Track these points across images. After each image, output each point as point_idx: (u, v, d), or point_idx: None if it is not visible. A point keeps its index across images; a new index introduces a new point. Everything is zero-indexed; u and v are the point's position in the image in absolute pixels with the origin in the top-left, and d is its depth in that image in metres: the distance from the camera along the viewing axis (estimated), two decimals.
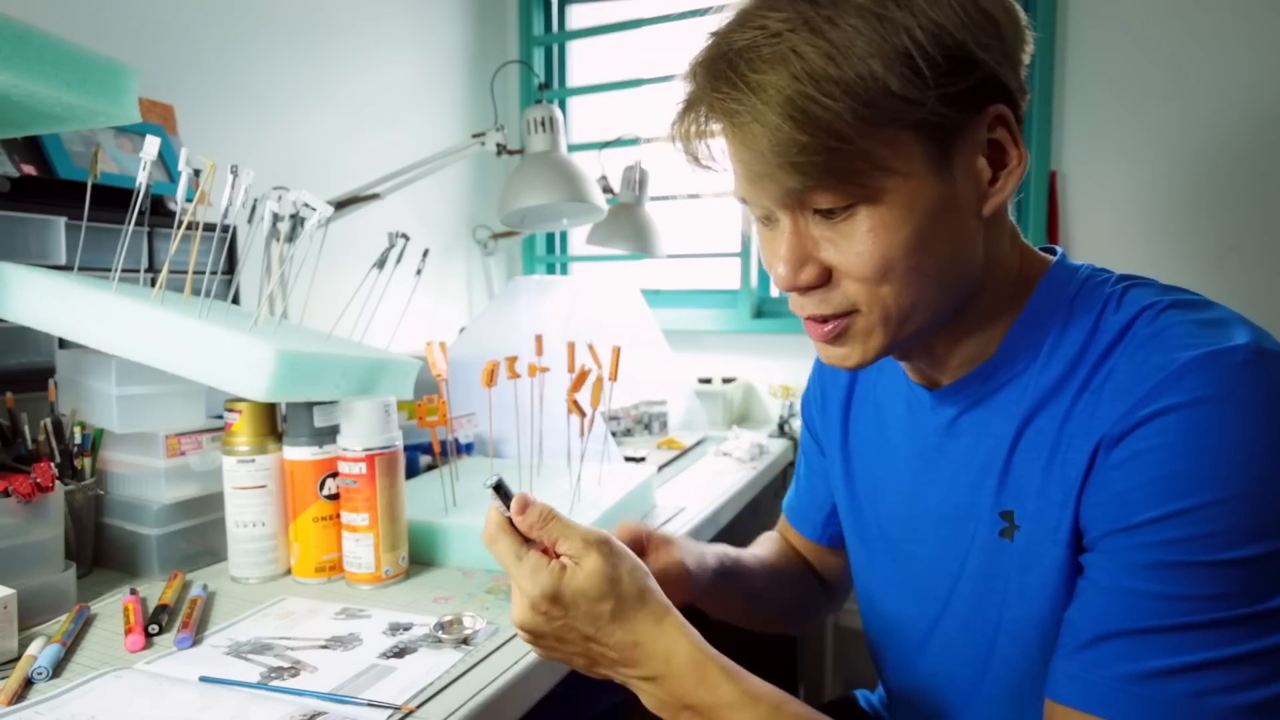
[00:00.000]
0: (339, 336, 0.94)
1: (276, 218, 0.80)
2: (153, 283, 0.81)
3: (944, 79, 0.49)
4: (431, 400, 0.95)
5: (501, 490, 0.58)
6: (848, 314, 0.56)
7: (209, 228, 0.95)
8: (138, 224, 0.80)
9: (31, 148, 1.03)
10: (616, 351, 0.97)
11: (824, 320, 0.57)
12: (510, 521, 0.57)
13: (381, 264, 0.90)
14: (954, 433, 0.62)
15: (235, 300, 1.04)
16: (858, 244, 0.52)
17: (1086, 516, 0.52)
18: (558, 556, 0.56)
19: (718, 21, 0.53)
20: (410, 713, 0.59)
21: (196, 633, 0.71)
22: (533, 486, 1.02)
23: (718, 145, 0.55)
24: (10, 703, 0.59)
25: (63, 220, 0.98)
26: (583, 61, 2.29)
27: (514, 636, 0.70)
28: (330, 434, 0.85)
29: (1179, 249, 1.61)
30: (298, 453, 0.84)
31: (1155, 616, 0.47)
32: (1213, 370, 0.47)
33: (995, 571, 0.58)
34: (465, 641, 0.69)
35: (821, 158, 0.49)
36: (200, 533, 0.88)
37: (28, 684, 0.62)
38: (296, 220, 0.83)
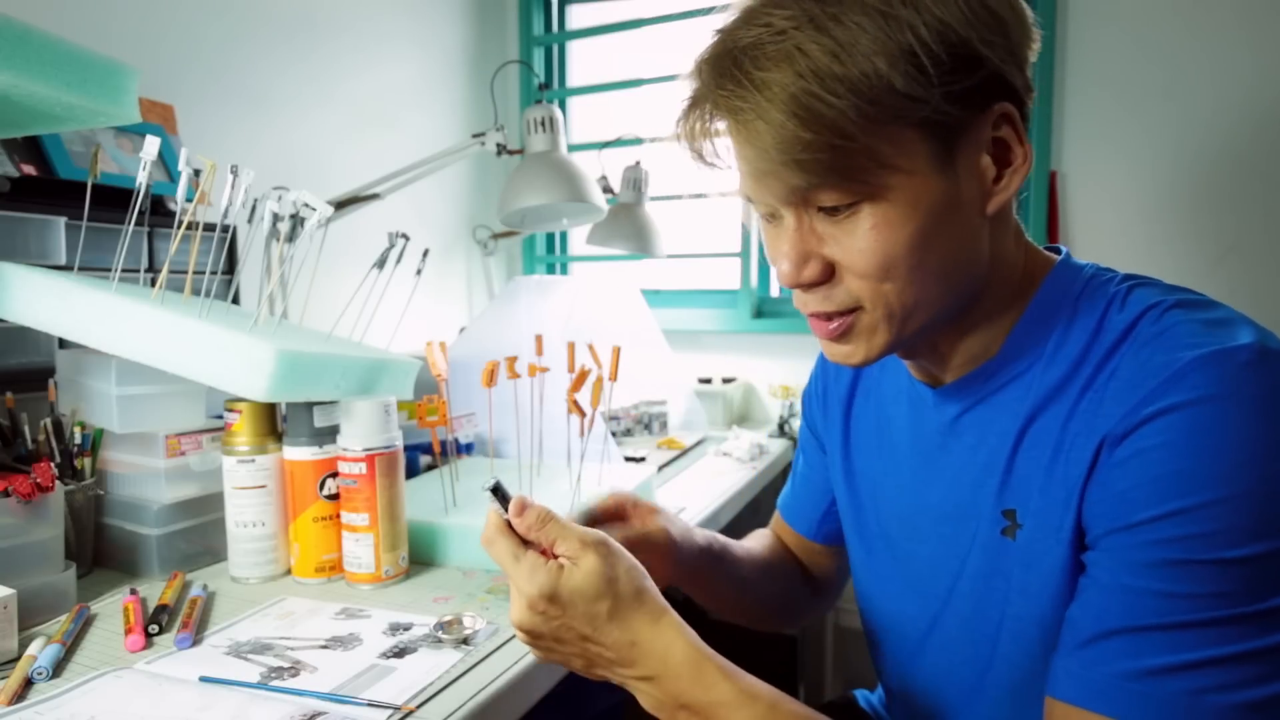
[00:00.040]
0: (339, 336, 0.94)
1: (276, 218, 0.80)
2: (153, 283, 0.81)
3: (948, 77, 0.49)
4: (431, 400, 0.95)
5: (499, 492, 0.58)
6: (851, 311, 0.56)
7: (209, 228, 0.95)
8: (138, 224, 0.80)
9: (31, 148, 1.03)
10: (616, 351, 0.97)
11: (828, 318, 0.57)
12: (508, 524, 0.57)
13: (381, 264, 0.90)
14: (957, 431, 0.62)
15: (235, 300, 1.04)
16: (860, 241, 0.53)
17: (1089, 515, 0.52)
18: (555, 557, 0.56)
19: (723, 19, 0.53)
20: (410, 713, 0.59)
21: (196, 633, 0.71)
22: (533, 487, 1.02)
23: (722, 143, 0.55)
24: (10, 703, 0.59)
25: (63, 220, 0.98)
26: (583, 61, 2.29)
27: (514, 637, 0.70)
28: (330, 434, 0.85)
29: (1179, 249, 1.61)
30: (298, 453, 0.84)
31: (1156, 614, 0.47)
32: (1216, 369, 0.47)
33: (997, 570, 0.58)
34: (465, 641, 0.69)
35: (825, 155, 0.49)
36: (200, 533, 0.88)
37: (28, 684, 0.62)
38: (296, 220, 0.82)
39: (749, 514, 1.38)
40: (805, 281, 0.55)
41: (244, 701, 0.59)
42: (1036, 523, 0.56)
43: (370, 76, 1.77)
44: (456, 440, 1.22)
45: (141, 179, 0.76)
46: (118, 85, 0.73)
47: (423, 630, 0.71)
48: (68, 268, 0.86)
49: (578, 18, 2.27)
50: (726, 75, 0.51)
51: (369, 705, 0.59)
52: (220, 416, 0.88)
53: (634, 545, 0.67)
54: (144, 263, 1.03)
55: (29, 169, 1.01)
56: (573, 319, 1.45)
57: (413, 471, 1.13)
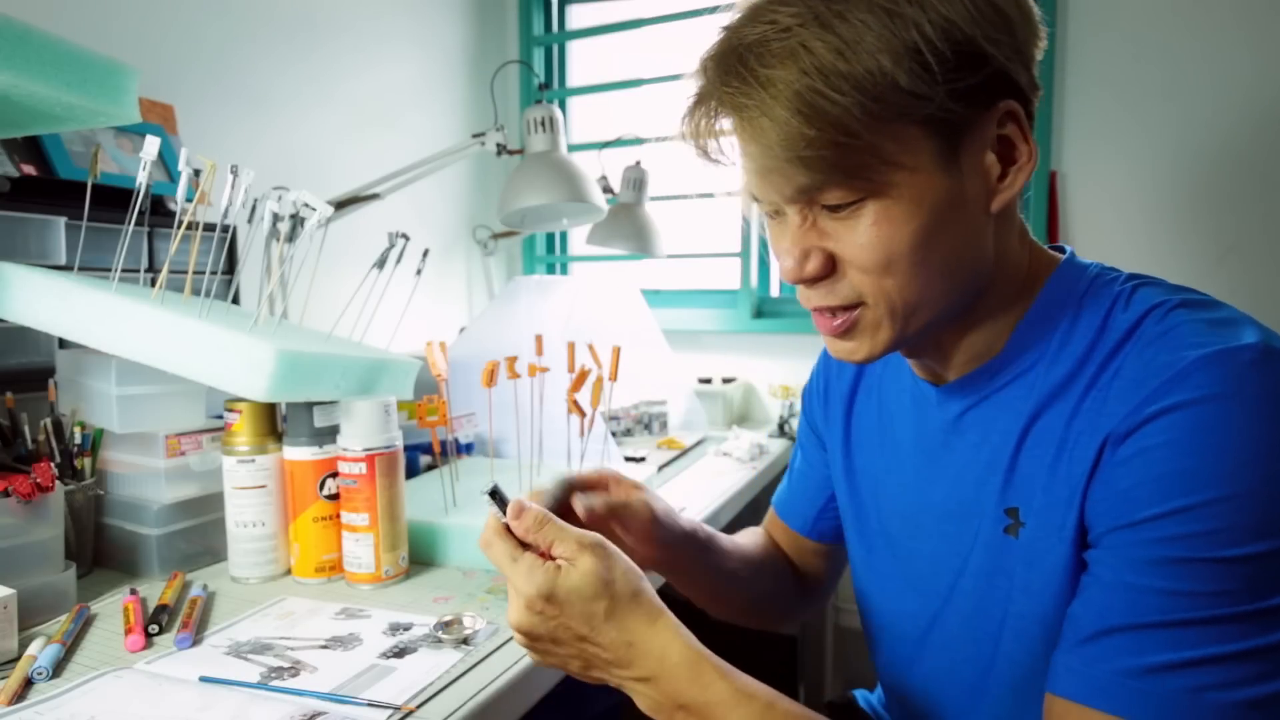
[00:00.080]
0: (339, 336, 0.94)
1: (276, 218, 0.80)
2: (153, 283, 0.81)
3: (953, 74, 0.49)
4: (431, 400, 0.95)
5: (498, 496, 0.58)
6: (855, 307, 0.56)
7: (209, 228, 0.95)
8: (138, 224, 0.80)
9: (31, 148, 1.03)
10: (616, 351, 0.97)
11: (832, 314, 0.57)
12: (506, 527, 0.57)
13: (381, 264, 0.90)
14: (960, 429, 0.62)
15: (235, 300, 1.04)
16: (862, 236, 0.53)
17: (1091, 513, 0.52)
18: (554, 559, 0.56)
19: (730, 16, 0.53)
20: (410, 713, 0.59)
21: (196, 633, 0.71)
22: (533, 487, 1.02)
23: (727, 140, 0.55)
24: (10, 703, 0.59)
25: (63, 220, 0.98)
26: (583, 61, 2.29)
27: (514, 637, 0.70)
28: (330, 434, 0.85)
29: (1180, 249, 1.62)
30: (298, 453, 0.84)
31: (1157, 612, 0.47)
32: (1220, 368, 0.47)
33: (999, 568, 0.58)
34: (465, 641, 0.69)
35: (829, 152, 0.50)
36: (200, 533, 0.88)
37: (28, 684, 0.62)
38: (296, 220, 0.82)
39: (749, 514, 1.38)
40: (808, 276, 0.56)
41: (244, 701, 0.59)
42: (1039, 521, 0.56)
43: (370, 76, 1.77)
44: (456, 440, 1.22)
45: (141, 179, 0.76)
46: (118, 85, 0.73)
47: (423, 630, 0.71)
48: (68, 268, 0.86)
49: (578, 18, 2.27)
50: (732, 72, 0.51)
51: (369, 705, 0.59)
52: (220, 416, 0.88)
53: (614, 515, 0.67)
54: (144, 263, 1.03)
55: (29, 169, 1.01)
56: (573, 319, 1.45)
57: (413, 471, 1.13)
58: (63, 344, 0.96)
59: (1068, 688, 0.50)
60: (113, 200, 0.90)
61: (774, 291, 2.05)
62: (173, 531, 0.85)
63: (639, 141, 1.85)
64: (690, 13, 1.97)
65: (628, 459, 1.41)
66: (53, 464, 0.76)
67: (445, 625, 0.70)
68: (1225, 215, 1.58)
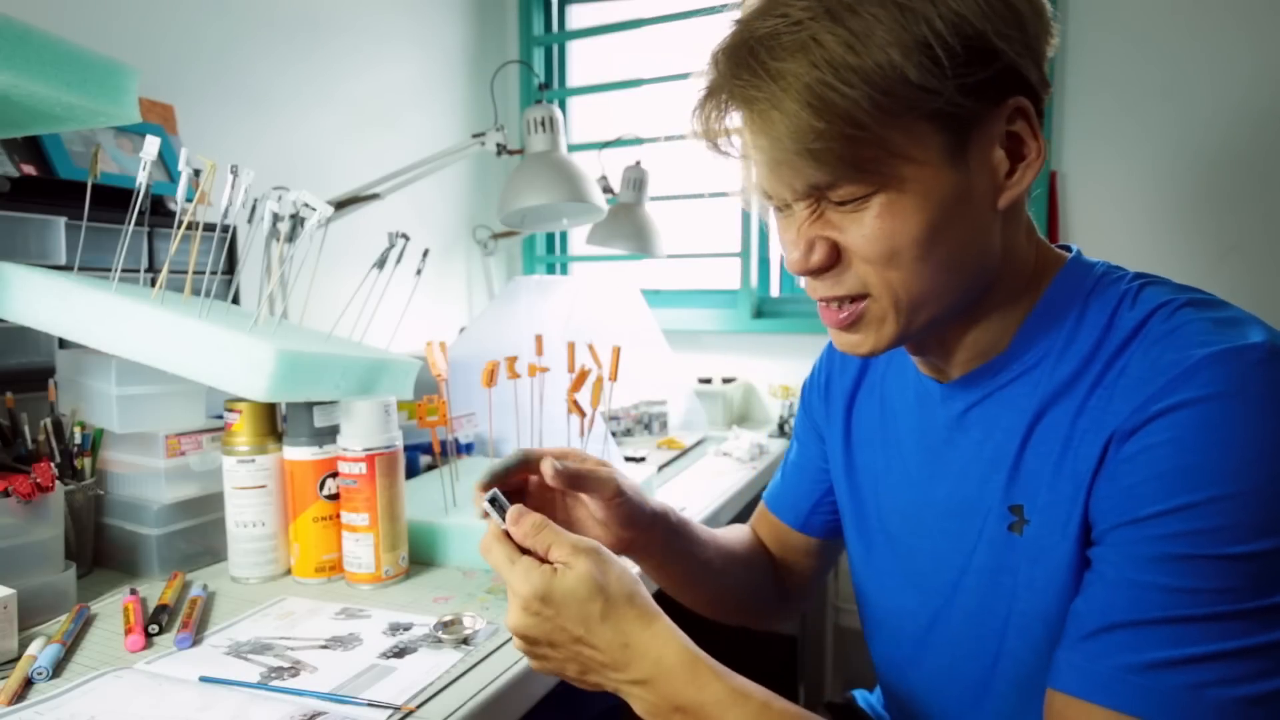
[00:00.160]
0: (339, 336, 0.94)
1: (276, 218, 0.80)
2: (153, 283, 0.81)
3: (963, 69, 0.49)
4: (431, 400, 0.95)
5: (497, 503, 0.59)
6: (860, 299, 0.56)
7: (209, 228, 0.95)
8: (138, 224, 0.80)
9: (31, 148, 1.03)
10: (616, 351, 0.97)
11: (839, 306, 0.57)
12: (506, 533, 0.58)
13: (381, 264, 0.90)
14: (964, 426, 0.62)
15: (235, 300, 1.04)
16: (867, 228, 0.53)
17: (1095, 510, 0.52)
18: (550, 563, 0.56)
19: (742, 9, 0.54)
20: (410, 713, 0.59)
21: (196, 633, 0.71)
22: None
23: (737, 133, 0.55)
24: (10, 703, 0.59)
25: (63, 220, 0.98)
26: (583, 61, 2.29)
27: (513, 642, 0.70)
28: (330, 434, 0.85)
29: (1181, 249, 1.62)
30: (298, 453, 0.84)
31: (1160, 608, 0.47)
32: (1226, 367, 0.48)
33: (1003, 565, 0.58)
34: (465, 641, 0.69)
35: (838, 145, 0.50)
36: (200, 533, 0.88)
37: (28, 684, 0.62)
38: (296, 220, 0.82)
39: (749, 514, 1.37)
40: (813, 267, 0.56)
41: (244, 701, 0.59)
42: (1044, 518, 0.56)
43: (370, 76, 1.77)
44: (456, 440, 1.22)
45: (141, 179, 0.76)
46: (118, 85, 0.73)
47: (423, 630, 0.71)
48: (68, 268, 0.86)
49: (578, 18, 2.27)
50: (742, 65, 0.51)
51: (369, 705, 0.59)
52: (220, 416, 0.88)
53: (578, 482, 0.66)
54: (144, 263, 1.03)
55: (29, 169, 1.01)
56: (573, 319, 1.45)
57: (413, 471, 1.13)
58: (63, 344, 0.96)
59: (1069, 683, 0.50)
60: (113, 200, 0.90)
61: (774, 291, 2.05)
62: (173, 531, 0.85)
63: (639, 141, 1.85)
64: (690, 13, 1.97)
65: (628, 459, 1.41)
66: (53, 464, 0.76)
67: (445, 625, 0.70)
68: (1226, 215, 1.58)
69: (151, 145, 0.75)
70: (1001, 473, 0.59)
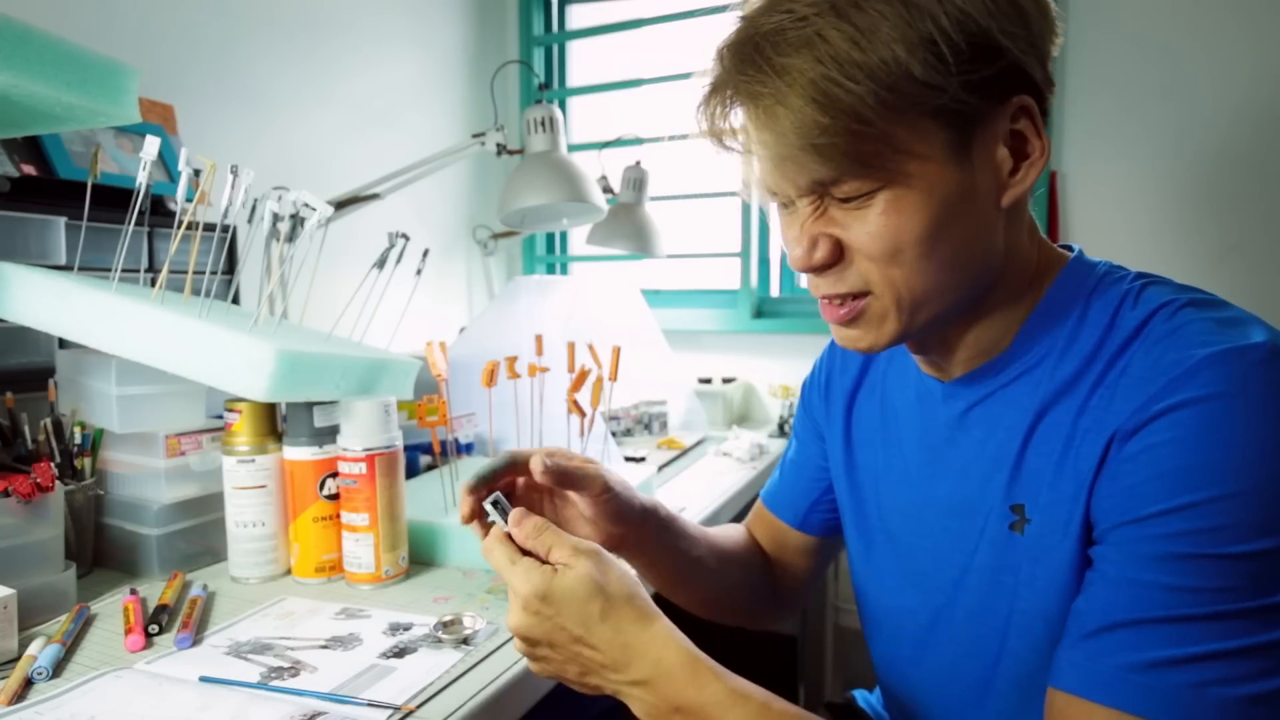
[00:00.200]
0: (339, 336, 0.94)
1: (276, 218, 0.80)
2: (153, 283, 0.81)
3: (967, 66, 0.50)
4: (431, 400, 0.95)
5: (499, 505, 0.60)
6: (862, 296, 0.56)
7: (209, 228, 0.95)
8: (138, 224, 0.80)
9: (31, 148, 1.03)
10: (616, 351, 0.97)
11: (840, 302, 0.57)
12: (508, 535, 0.58)
13: (381, 264, 0.90)
14: (965, 425, 0.62)
15: (235, 300, 1.04)
16: (871, 225, 0.53)
17: (1097, 509, 0.52)
18: (551, 564, 0.57)
19: (748, 5, 0.54)
20: (410, 713, 0.59)
21: (196, 633, 0.71)
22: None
23: (742, 129, 0.55)
24: (10, 703, 0.59)
25: (63, 220, 0.98)
26: (583, 61, 2.29)
27: (513, 637, 0.70)
28: (330, 434, 0.85)
29: (1182, 248, 1.62)
30: (298, 453, 0.84)
31: (1161, 607, 0.47)
32: (1227, 367, 0.48)
33: (1005, 565, 0.59)
34: (465, 641, 0.69)
35: (843, 140, 0.50)
36: (200, 533, 0.88)
37: (28, 684, 0.62)
38: (296, 220, 0.82)
39: (748, 514, 1.38)
40: (816, 264, 0.56)
41: (244, 701, 0.59)
42: (1045, 518, 0.56)
43: (370, 76, 1.77)
44: (456, 440, 1.22)
45: (141, 179, 0.76)
46: (118, 85, 0.73)
47: (423, 630, 0.71)
48: (68, 268, 0.86)
49: (578, 18, 2.27)
50: (748, 61, 0.51)
51: (369, 705, 0.59)
52: (220, 416, 0.88)
53: (566, 480, 0.66)
54: (144, 263, 1.03)
55: (29, 169, 1.01)
56: (573, 319, 1.45)
57: (413, 471, 1.13)
58: (63, 344, 0.96)
59: (1070, 682, 0.50)
60: (113, 200, 0.90)
61: (774, 291, 2.05)
62: (173, 531, 0.85)
63: (639, 141, 1.85)
64: (690, 13, 1.97)
65: (628, 459, 1.41)
66: (53, 464, 0.76)
67: (445, 625, 0.70)
68: (1226, 215, 1.58)
69: (151, 145, 0.75)
70: (1003, 472, 0.59)
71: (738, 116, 0.54)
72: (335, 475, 0.84)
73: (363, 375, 0.85)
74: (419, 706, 0.59)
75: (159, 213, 1.10)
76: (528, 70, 2.19)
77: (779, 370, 1.96)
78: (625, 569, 0.57)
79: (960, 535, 0.62)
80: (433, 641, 0.69)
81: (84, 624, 0.73)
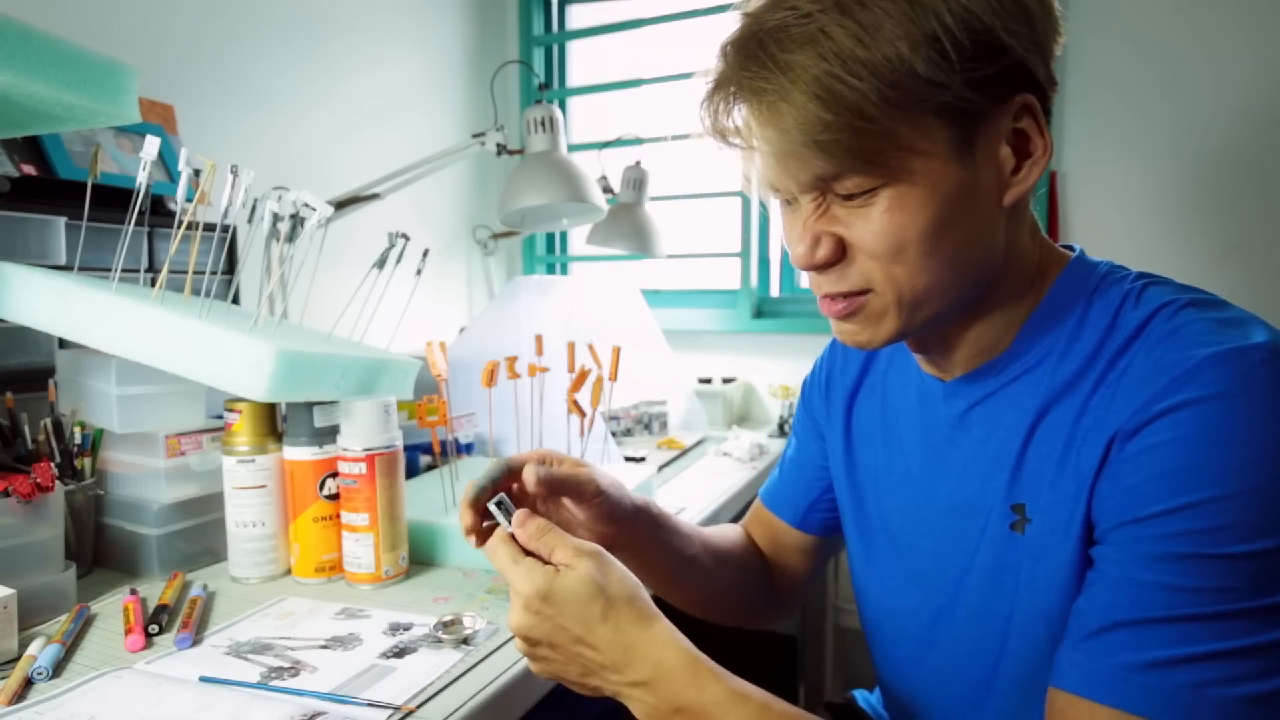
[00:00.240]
0: (339, 336, 0.94)
1: (276, 218, 0.80)
2: (153, 283, 0.81)
3: (971, 63, 0.50)
4: (431, 400, 0.95)
5: (503, 506, 0.60)
6: (863, 293, 0.56)
7: (209, 228, 0.95)
8: (138, 224, 0.80)
9: (31, 148, 1.03)
10: (616, 351, 0.97)
11: (843, 298, 0.57)
12: (511, 535, 0.58)
13: (381, 264, 0.90)
14: (966, 424, 0.62)
15: (235, 300, 1.04)
16: (874, 222, 0.53)
17: (1098, 509, 0.52)
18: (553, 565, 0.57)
19: (751, 2, 0.54)
20: (410, 713, 0.59)
21: (196, 633, 0.71)
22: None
23: (745, 126, 0.55)
24: (10, 703, 0.59)
25: (63, 220, 0.98)
26: (583, 61, 2.29)
27: (514, 637, 0.70)
28: (330, 434, 0.85)
29: (1183, 248, 1.61)
30: (298, 453, 0.84)
31: (1162, 607, 0.47)
32: (1229, 367, 0.48)
33: (1006, 564, 0.59)
34: (465, 641, 0.69)
35: (846, 137, 0.50)
36: (200, 533, 0.88)
37: (28, 684, 0.62)
38: (296, 220, 0.83)
39: (746, 514, 1.38)
40: (819, 262, 0.56)
41: (244, 701, 0.59)
42: (1046, 518, 0.56)
43: (370, 76, 1.77)
44: (456, 440, 1.22)
45: (141, 179, 0.76)
46: (118, 85, 0.73)
47: (423, 630, 0.71)
48: (68, 268, 0.86)
49: (578, 18, 2.27)
50: (751, 57, 0.51)
51: (369, 705, 0.59)
52: (220, 416, 0.88)
53: (559, 487, 0.66)
54: (144, 263, 1.03)
55: (29, 169, 1.01)
56: (573, 319, 1.45)
57: (413, 471, 1.13)
58: (63, 344, 0.96)
59: (1071, 682, 0.50)
60: (113, 200, 0.90)
61: (774, 291, 2.05)
62: (173, 531, 0.85)
63: (639, 141, 1.85)
64: (690, 13, 1.97)
65: (628, 459, 1.41)
66: (53, 464, 0.76)
67: (445, 625, 0.70)
68: (1226, 214, 1.58)
69: (151, 145, 0.75)
70: (1004, 471, 0.59)
71: (741, 113, 0.54)
72: (335, 475, 0.84)
73: (363, 375, 0.85)
74: (419, 706, 0.59)
75: (159, 213, 1.10)
76: (528, 70, 2.19)
77: (779, 370, 1.96)
78: (627, 570, 0.57)
79: (961, 535, 0.62)
80: (433, 641, 0.69)
81: (84, 624, 0.73)
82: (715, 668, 0.54)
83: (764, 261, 2.02)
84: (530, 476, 0.65)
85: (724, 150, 0.56)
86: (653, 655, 0.54)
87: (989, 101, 0.52)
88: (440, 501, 0.95)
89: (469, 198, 2.12)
